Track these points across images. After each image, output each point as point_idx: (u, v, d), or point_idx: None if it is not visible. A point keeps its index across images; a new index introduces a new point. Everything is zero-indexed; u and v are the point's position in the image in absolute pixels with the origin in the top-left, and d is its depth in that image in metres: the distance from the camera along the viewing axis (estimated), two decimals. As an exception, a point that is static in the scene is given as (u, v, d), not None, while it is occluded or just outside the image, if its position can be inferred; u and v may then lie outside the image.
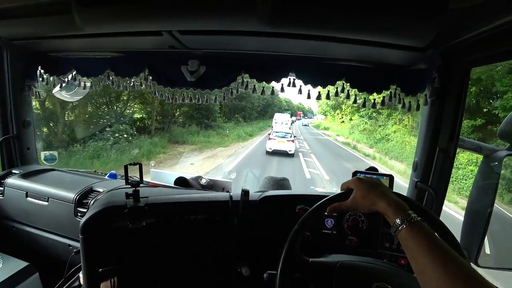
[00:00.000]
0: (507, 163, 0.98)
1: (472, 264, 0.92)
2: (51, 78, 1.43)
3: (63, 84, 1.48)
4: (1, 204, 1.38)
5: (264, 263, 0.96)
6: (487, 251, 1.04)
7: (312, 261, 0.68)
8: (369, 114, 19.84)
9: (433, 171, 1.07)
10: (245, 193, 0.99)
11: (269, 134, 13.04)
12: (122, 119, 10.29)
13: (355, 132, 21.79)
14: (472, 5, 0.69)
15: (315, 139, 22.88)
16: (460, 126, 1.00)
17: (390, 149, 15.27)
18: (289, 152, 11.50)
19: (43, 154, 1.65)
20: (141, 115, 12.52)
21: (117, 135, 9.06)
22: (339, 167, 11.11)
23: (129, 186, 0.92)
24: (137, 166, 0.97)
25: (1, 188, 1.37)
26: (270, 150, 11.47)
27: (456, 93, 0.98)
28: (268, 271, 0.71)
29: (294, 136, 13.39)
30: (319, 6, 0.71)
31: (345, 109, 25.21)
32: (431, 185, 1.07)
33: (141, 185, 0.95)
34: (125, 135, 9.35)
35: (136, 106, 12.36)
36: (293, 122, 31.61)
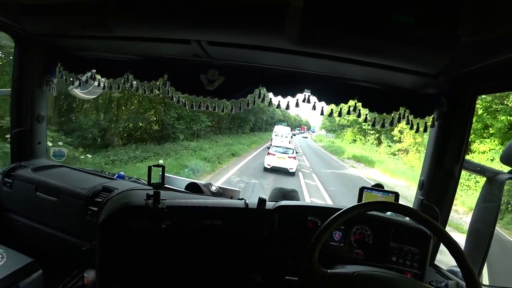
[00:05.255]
0: (508, 187, 1.03)
1: None
2: (69, 76, 1.46)
3: (80, 82, 1.51)
4: (9, 197, 1.37)
5: (274, 271, 0.98)
6: (484, 269, 1.08)
7: (331, 272, 0.71)
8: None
9: (438, 190, 1.11)
10: (262, 201, 1.02)
11: (268, 148, 11.85)
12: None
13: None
14: (482, 39, 0.76)
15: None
16: (466, 149, 1.06)
17: None
18: (290, 170, 10.15)
19: (52, 150, 1.65)
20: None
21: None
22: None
23: (150, 187, 0.94)
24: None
25: (10, 181, 1.36)
26: (269, 167, 10.25)
27: (462, 117, 1.04)
28: (287, 277, 0.73)
29: (296, 152, 11.87)
30: (345, 31, 0.76)
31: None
32: (436, 203, 1.12)
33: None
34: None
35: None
36: (293, 135, 26.46)
